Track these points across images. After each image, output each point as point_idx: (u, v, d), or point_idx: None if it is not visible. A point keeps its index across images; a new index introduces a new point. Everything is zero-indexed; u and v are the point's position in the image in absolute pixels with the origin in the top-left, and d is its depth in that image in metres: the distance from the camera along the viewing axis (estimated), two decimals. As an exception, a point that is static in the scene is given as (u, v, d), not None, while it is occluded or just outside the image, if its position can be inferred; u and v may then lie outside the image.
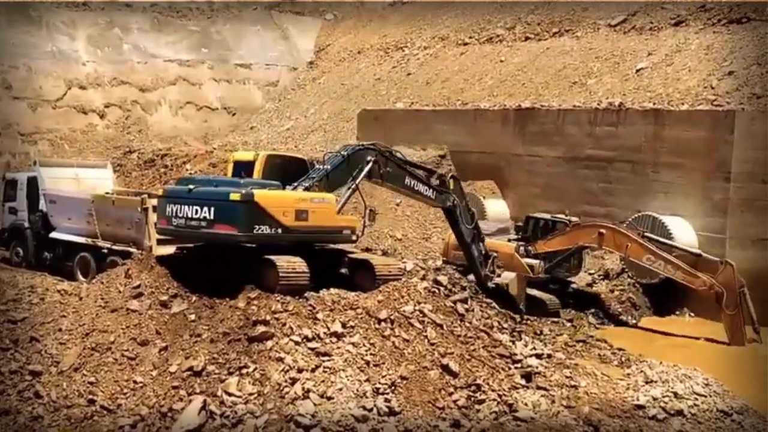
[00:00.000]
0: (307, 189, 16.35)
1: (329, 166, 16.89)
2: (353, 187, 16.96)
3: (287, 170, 17.41)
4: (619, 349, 18.02)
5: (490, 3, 38.75)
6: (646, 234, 20.85)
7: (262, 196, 15.52)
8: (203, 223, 15.50)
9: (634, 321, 21.85)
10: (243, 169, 18.04)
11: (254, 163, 18.12)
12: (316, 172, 16.85)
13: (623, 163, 24.69)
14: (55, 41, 37.33)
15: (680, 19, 29.03)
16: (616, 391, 14.64)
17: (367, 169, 17.11)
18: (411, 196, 18.84)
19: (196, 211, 15.55)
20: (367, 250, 20.89)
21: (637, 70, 27.36)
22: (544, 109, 27.50)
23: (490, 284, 19.61)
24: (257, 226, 15.35)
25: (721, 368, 16.70)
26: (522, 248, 21.23)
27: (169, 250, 17.72)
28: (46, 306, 15.42)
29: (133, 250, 19.67)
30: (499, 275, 19.96)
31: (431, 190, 18.66)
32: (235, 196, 15.35)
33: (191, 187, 15.99)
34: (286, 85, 42.05)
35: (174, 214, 15.92)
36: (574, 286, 22.16)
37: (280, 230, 15.58)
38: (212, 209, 15.41)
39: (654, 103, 24.77)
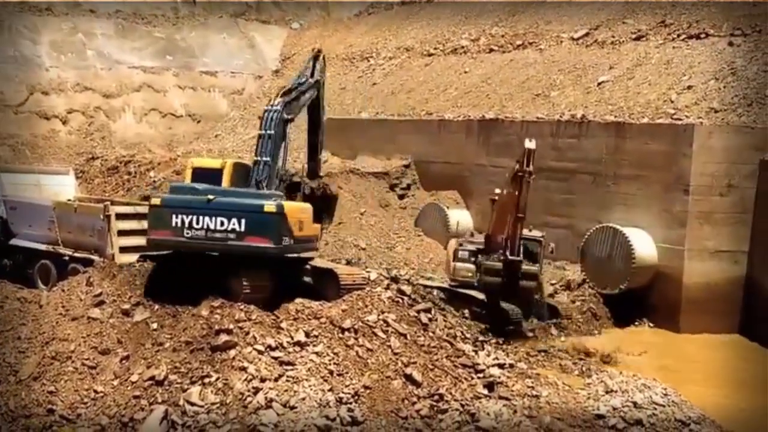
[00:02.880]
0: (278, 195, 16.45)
1: (268, 158, 16.81)
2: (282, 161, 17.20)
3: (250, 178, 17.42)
4: (580, 359, 18.24)
5: (454, 14, 39.06)
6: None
7: (288, 207, 15.55)
8: (231, 236, 15.01)
9: (595, 331, 22.08)
10: (204, 176, 17.70)
11: (219, 170, 17.93)
12: (261, 172, 16.66)
13: (585, 175, 25.01)
14: (17, 46, 36.92)
15: (641, 33, 29.48)
16: (576, 401, 14.80)
17: (288, 131, 17.32)
18: None
19: (222, 222, 15.01)
20: (332, 259, 20.93)
21: (599, 83, 27.73)
22: (507, 120, 27.78)
23: (312, 184, 19.40)
24: (284, 238, 15.25)
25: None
26: (468, 253, 21.08)
27: (132, 258, 17.60)
28: (5, 314, 15.25)
29: (95, 257, 19.49)
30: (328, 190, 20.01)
31: (313, 89, 18.65)
32: (270, 208, 15.10)
33: (210, 197, 15.37)
34: (251, 93, 41.96)
35: (187, 225, 15.19)
36: (536, 296, 22.37)
37: (293, 241, 15.61)
38: (243, 221, 14.99)
39: (615, 116, 25.13)
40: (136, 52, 40.21)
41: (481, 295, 20.38)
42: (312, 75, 18.85)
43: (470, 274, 20.83)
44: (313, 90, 18.71)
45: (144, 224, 19.77)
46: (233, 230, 14.99)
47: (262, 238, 14.99)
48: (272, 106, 17.18)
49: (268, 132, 16.88)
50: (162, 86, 39.82)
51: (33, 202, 22.58)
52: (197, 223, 15.09)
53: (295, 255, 16.94)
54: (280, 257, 15.75)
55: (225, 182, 17.59)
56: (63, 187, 23.96)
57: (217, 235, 15.04)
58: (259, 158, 16.86)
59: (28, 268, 21.94)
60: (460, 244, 21.29)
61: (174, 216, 15.24)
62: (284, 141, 17.17)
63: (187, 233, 15.16)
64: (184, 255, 15.84)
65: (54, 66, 37.47)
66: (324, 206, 18.95)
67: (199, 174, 17.95)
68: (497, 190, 20.93)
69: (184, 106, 40.06)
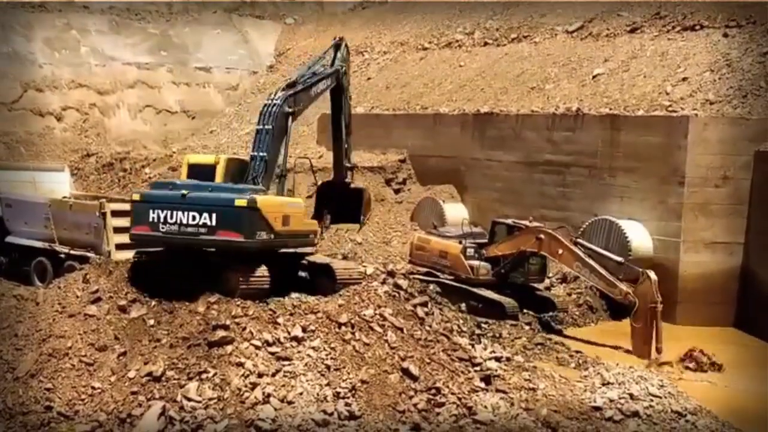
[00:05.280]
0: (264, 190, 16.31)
1: (264, 153, 16.51)
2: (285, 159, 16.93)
3: (245, 173, 17.36)
4: (577, 352, 18.27)
5: (449, 8, 39.02)
6: (578, 241, 21.00)
7: (263, 201, 15.42)
8: (203, 230, 15.21)
9: (591, 324, 22.13)
10: (199, 172, 17.63)
11: (213, 166, 17.84)
12: (258, 168, 16.45)
13: (580, 168, 25.04)
14: (11, 43, 36.78)
15: (636, 26, 29.48)
16: (573, 393, 14.85)
17: (291, 125, 17.02)
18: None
19: (194, 217, 15.19)
20: (328, 254, 20.94)
21: (594, 76, 27.71)
22: (502, 114, 27.78)
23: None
24: (258, 233, 15.28)
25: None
26: (473, 250, 21.43)
27: (128, 255, 17.60)
28: (1, 311, 15.24)
29: (91, 254, 19.48)
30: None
31: (328, 79, 18.68)
32: (241, 202, 15.17)
33: (185, 192, 15.51)
34: (246, 88, 41.87)
35: (163, 220, 15.36)
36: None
37: (273, 236, 15.57)
38: (214, 215, 15.14)
39: (610, 109, 25.14)
40: (130, 48, 40.10)
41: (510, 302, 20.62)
42: (332, 64, 18.85)
43: (486, 271, 21.24)
44: (330, 80, 18.66)
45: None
46: (204, 224, 15.16)
47: (233, 232, 15.11)
48: (272, 99, 16.99)
49: (266, 127, 16.66)
50: (156, 82, 39.71)
51: (28, 200, 22.56)
52: (172, 218, 15.29)
53: (291, 250, 16.93)
54: (263, 251, 15.77)
55: (218, 178, 17.49)
56: (58, 185, 23.95)
57: (190, 229, 15.24)
58: (255, 153, 16.69)
59: (25, 265, 21.95)
60: (472, 243, 21.57)
61: (153, 211, 15.45)
62: (285, 135, 16.92)
63: (163, 228, 15.38)
64: (183, 252, 15.86)
65: (48, 63, 37.33)
66: (347, 203, 19.41)
67: (195, 170, 17.86)
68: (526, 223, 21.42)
69: (178, 102, 39.97)
